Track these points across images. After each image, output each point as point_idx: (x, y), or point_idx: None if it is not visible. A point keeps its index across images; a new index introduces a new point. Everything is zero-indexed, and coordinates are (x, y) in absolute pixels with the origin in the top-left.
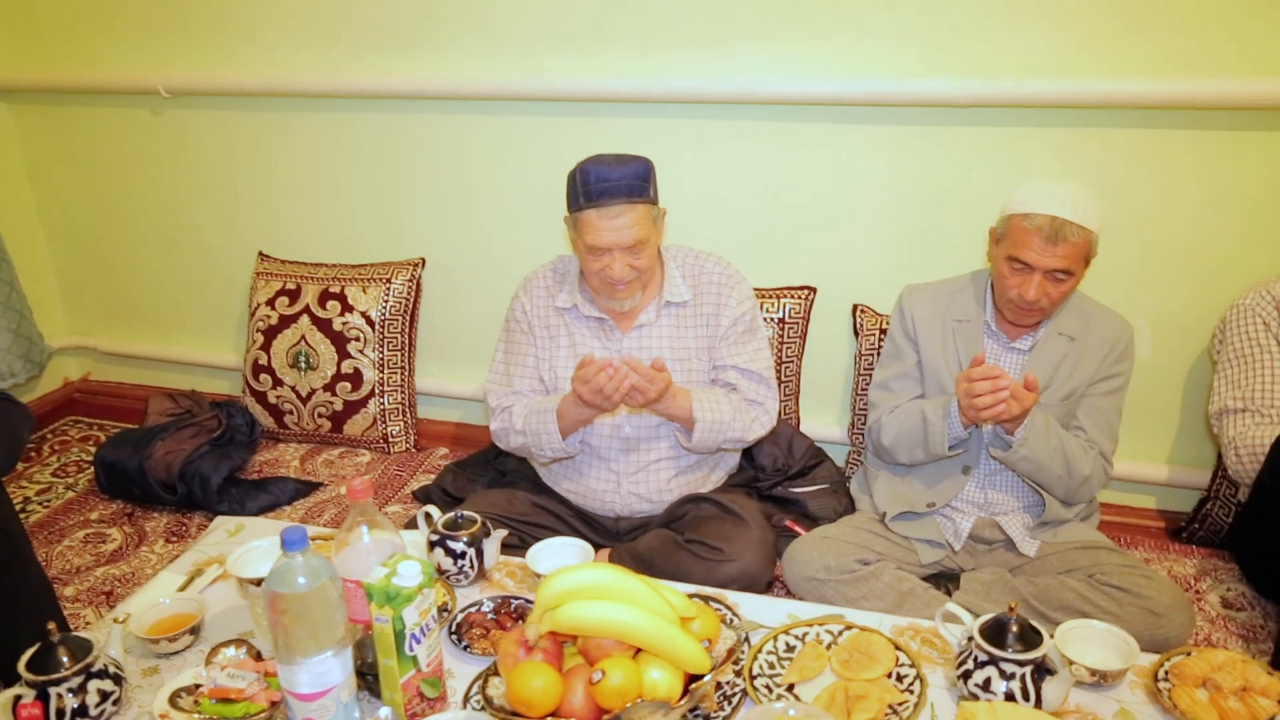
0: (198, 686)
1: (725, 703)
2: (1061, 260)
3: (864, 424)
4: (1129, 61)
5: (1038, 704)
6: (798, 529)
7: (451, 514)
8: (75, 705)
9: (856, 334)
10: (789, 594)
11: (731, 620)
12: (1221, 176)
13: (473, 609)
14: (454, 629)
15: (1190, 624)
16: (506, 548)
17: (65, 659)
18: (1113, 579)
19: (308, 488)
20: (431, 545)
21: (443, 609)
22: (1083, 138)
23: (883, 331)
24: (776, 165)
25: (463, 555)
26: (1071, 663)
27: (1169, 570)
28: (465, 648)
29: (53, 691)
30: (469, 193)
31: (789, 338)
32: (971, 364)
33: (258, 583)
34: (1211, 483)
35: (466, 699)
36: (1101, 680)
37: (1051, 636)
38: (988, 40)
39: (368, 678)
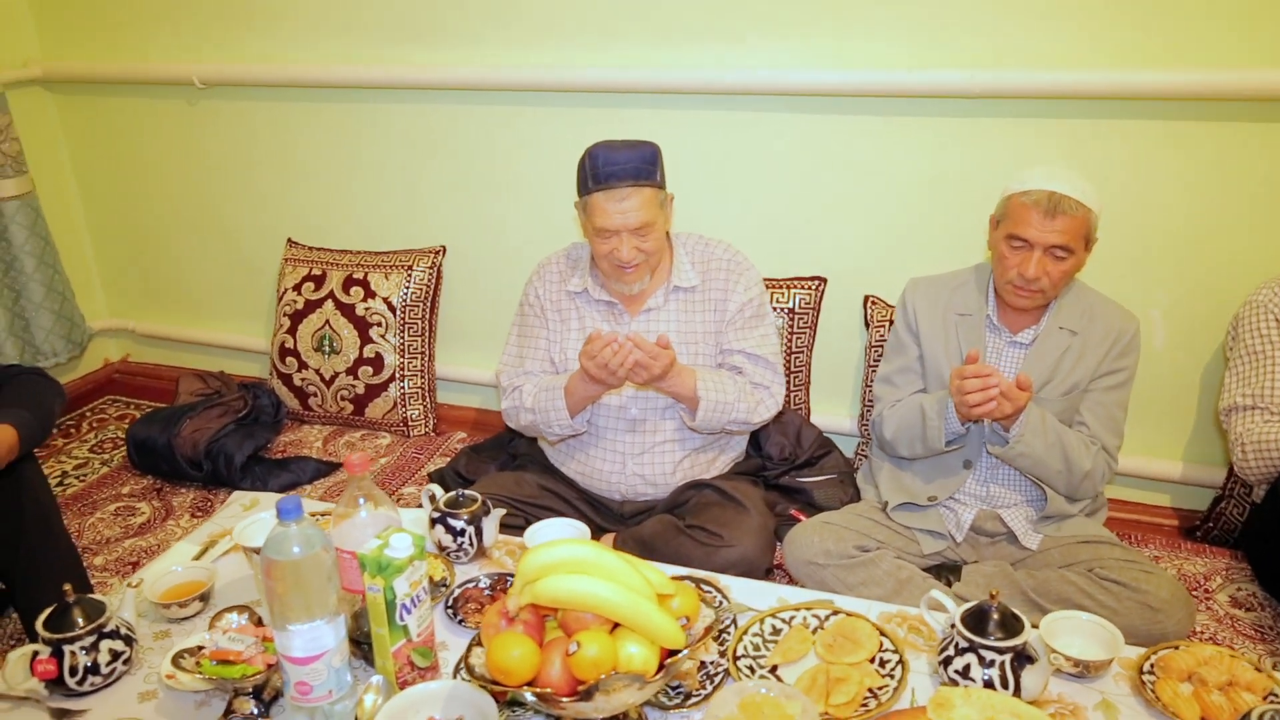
0: (200, 648)
1: (708, 681)
2: (1060, 235)
3: (871, 415)
4: (1142, 53)
5: (1017, 692)
6: (802, 518)
7: (453, 493)
8: (88, 663)
9: (867, 325)
10: (790, 580)
11: (720, 602)
12: (1237, 169)
13: (470, 584)
14: (451, 604)
15: (1189, 620)
16: (510, 528)
17: (80, 619)
18: (1112, 573)
19: (328, 468)
20: (433, 523)
21: (441, 584)
22: (1097, 129)
23: (893, 322)
24: (788, 156)
25: (462, 533)
26: (1053, 652)
27: (1179, 569)
28: (461, 621)
29: (67, 649)
30: (488, 182)
31: (799, 328)
32: (965, 360)
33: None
34: (1226, 481)
35: (457, 670)
36: (1085, 671)
37: (1035, 626)
38: (999, 31)
39: (364, 646)
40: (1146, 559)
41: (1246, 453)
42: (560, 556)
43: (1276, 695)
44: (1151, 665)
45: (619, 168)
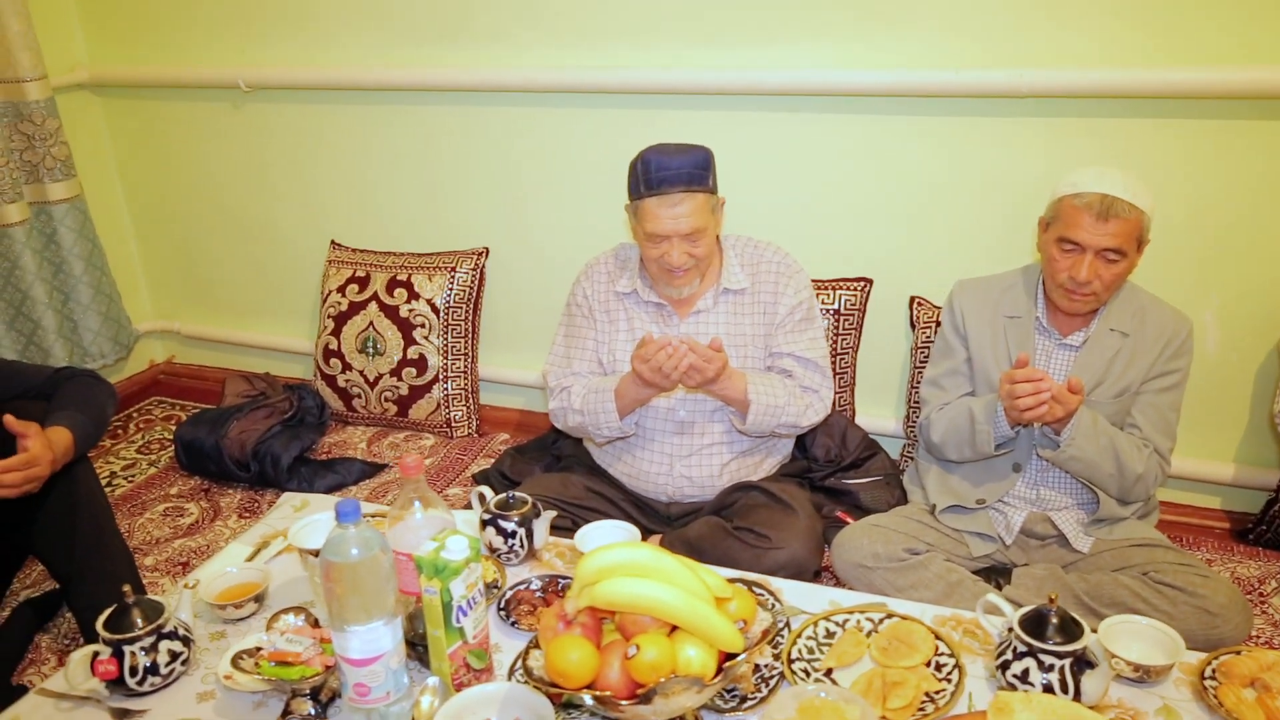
0: (259, 649)
1: (763, 685)
2: (1113, 238)
3: (918, 418)
4: (1193, 50)
5: (1076, 697)
6: (849, 520)
7: (503, 495)
8: (147, 663)
9: (913, 326)
10: (838, 583)
11: (773, 605)
12: None
13: (521, 586)
14: (503, 605)
15: (1247, 625)
16: (558, 529)
17: (139, 620)
18: (1168, 577)
19: (373, 469)
20: (484, 524)
21: (493, 586)
22: (1146, 129)
23: (939, 324)
24: (833, 157)
25: (513, 535)
26: (1113, 657)
27: (1232, 572)
28: (513, 623)
29: (127, 650)
30: (531, 183)
31: (845, 329)
32: (1015, 364)
33: (317, 554)
34: None
35: (511, 672)
36: (1145, 676)
37: (1094, 631)
38: (1045, 30)
39: (419, 648)
40: (1201, 562)
41: None
42: (618, 559)
43: None
44: (1213, 670)
45: (672, 173)
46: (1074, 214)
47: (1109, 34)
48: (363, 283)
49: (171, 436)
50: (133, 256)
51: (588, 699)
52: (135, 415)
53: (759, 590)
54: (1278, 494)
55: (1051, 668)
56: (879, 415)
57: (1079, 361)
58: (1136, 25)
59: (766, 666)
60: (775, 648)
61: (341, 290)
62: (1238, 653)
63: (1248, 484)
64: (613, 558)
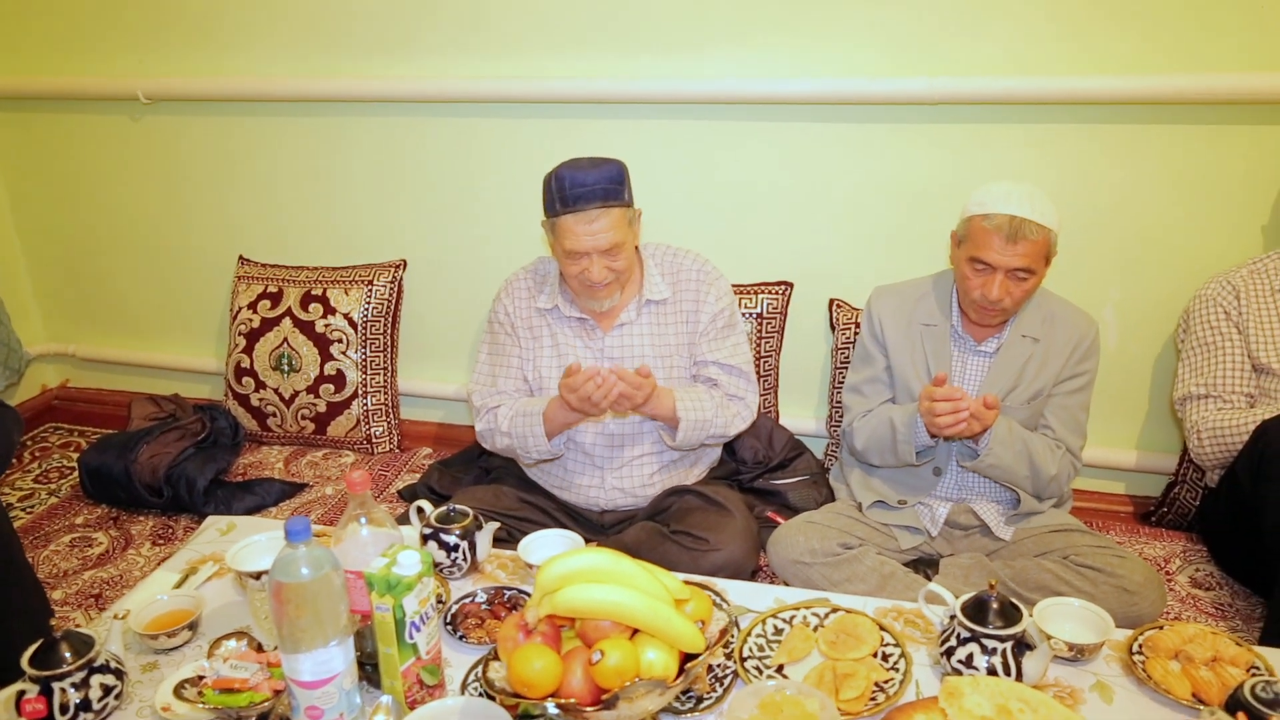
0: (201, 678)
1: (717, 684)
2: (1022, 259)
3: (842, 416)
4: (1098, 58)
5: (1018, 678)
6: (780, 520)
7: (444, 508)
8: (78, 700)
9: (833, 328)
10: (773, 582)
11: (721, 604)
12: (1187, 170)
13: (467, 600)
14: (449, 620)
15: (1162, 601)
16: (495, 541)
17: (68, 654)
18: (1087, 559)
19: (293, 489)
20: (425, 539)
21: (437, 600)
22: (1054, 133)
23: (858, 326)
24: (753, 164)
25: (455, 548)
26: (1050, 638)
27: (1140, 553)
28: (461, 637)
29: (56, 686)
30: (448, 195)
31: (767, 333)
32: (934, 382)
33: (257, 576)
34: (1179, 467)
35: (464, 686)
36: (1079, 655)
37: (1030, 614)
38: (960, 38)
39: (366, 668)
40: (1116, 544)
41: (1203, 439)
42: (578, 566)
43: (1258, 668)
44: (1139, 646)
45: (587, 189)
46: (984, 236)
47: (1016, 44)
48: (275, 298)
49: (72, 463)
50: (21, 277)
51: (552, 708)
52: (30, 444)
53: (706, 591)
54: (1176, 477)
55: (994, 651)
56: (802, 416)
57: (993, 368)
58: (1041, 36)
59: (720, 666)
60: (727, 647)
61: (253, 306)
62: (1160, 628)
63: (1149, 469)
64: (573, 564)
